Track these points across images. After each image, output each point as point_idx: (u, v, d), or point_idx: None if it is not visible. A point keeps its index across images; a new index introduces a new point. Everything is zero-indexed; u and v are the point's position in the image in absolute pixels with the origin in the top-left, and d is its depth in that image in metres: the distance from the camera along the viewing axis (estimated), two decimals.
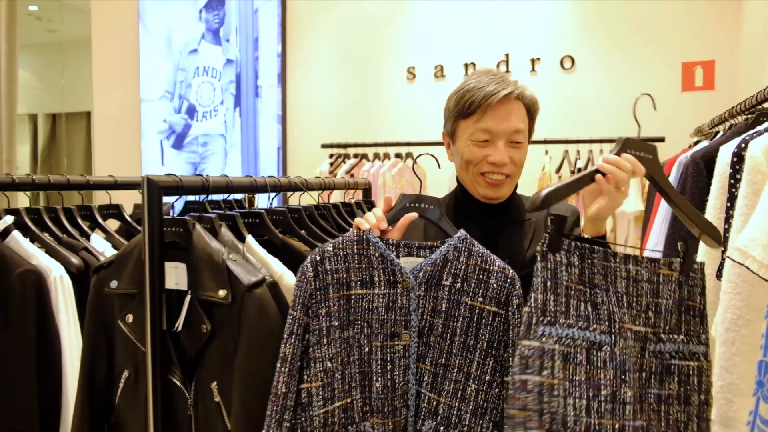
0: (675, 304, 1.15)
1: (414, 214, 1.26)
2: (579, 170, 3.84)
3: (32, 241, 1.64)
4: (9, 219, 1.60)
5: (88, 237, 1.77)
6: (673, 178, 2.20)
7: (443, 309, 1.21)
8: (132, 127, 5.56)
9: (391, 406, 1.21)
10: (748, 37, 3.51)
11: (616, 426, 1.05)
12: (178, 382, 1.30)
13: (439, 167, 1.57)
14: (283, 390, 1.16)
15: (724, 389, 1.32)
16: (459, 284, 1.21)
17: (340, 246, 1.21)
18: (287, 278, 1.36)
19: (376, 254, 1.22)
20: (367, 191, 2.58)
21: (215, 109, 5.33)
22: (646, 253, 1.39)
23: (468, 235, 1.23)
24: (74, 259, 1.59)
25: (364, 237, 1.22)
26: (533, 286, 1.09)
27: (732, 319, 1.28)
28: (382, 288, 1.21)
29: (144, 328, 1.31)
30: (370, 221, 1.25)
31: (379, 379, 1.21)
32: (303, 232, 1.77)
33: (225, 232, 1.38)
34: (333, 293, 1.20)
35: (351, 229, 1.24)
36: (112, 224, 1.95)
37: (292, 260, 1.49)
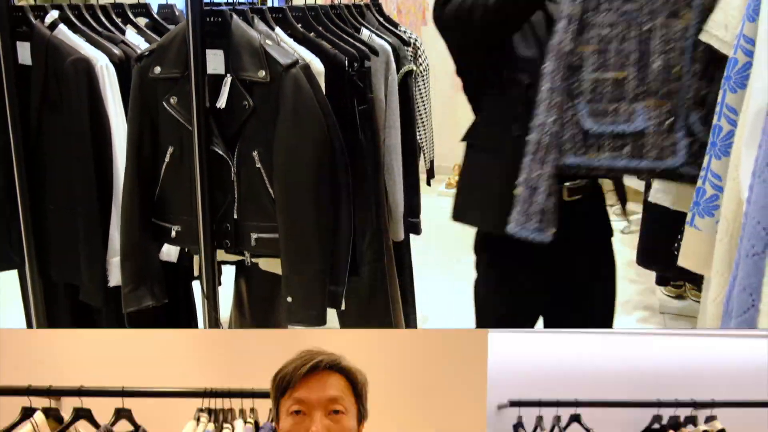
0: None
1: None
2: None
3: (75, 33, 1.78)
4: (55, 13, 1.73)
5: (123, 32, 1.91)
6: None
7: None
8: None
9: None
10: None
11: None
12: (221, 152, 1.52)
13: None
14: None
15: None
16: None
17: None
18: (315, 64, 1.54)
19: None
20: None
21: None
22: None
23: None
24: (116, 50, 1.75)
25: None
26: None
27: None
28: None
29: (187, 107, 1.51)
30: None
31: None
32: (320, 28, 1.92)
33: (259, 22, 1.53)
34: None
35: None
36: (140, 22, 2.08)
37: (313, 54, 1.65)
